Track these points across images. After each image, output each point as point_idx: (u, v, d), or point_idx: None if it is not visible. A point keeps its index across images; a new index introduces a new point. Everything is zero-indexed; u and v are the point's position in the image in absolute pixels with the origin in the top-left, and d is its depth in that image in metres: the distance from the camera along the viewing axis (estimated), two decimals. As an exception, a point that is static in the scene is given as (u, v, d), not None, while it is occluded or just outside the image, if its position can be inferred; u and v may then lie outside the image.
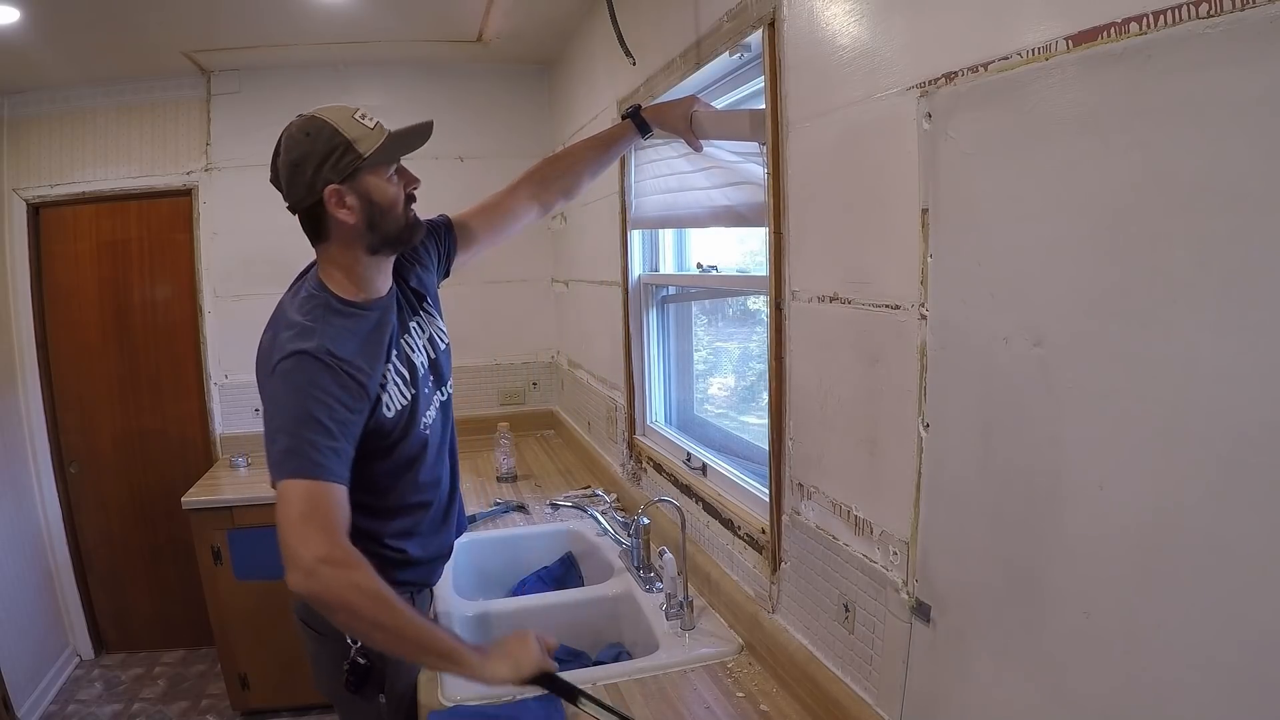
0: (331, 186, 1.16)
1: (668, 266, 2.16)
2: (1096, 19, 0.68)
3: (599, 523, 2.04)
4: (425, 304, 1.43)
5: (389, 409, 1.24)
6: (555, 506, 2.29)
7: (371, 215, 1.20)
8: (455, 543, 1.54)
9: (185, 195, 3.07)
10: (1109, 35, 0.67)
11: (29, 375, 3.05)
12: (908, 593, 1.02)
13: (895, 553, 1.04)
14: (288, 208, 1.23)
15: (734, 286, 1.79)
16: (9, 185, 2.99)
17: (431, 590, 1.62)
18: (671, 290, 2.17)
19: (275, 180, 1.22)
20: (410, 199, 1.26)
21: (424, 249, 1.45)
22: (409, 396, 1.28)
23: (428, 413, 1.34)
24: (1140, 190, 0.66)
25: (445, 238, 1.51)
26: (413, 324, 1.37)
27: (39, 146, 2.99)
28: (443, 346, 1.44)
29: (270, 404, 1.14)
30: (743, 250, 1.90)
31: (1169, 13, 0.61)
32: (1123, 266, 0.68)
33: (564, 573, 2.05)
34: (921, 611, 0.99)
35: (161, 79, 3.00)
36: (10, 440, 2.96)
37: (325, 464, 1.08)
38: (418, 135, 1.22)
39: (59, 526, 3.12)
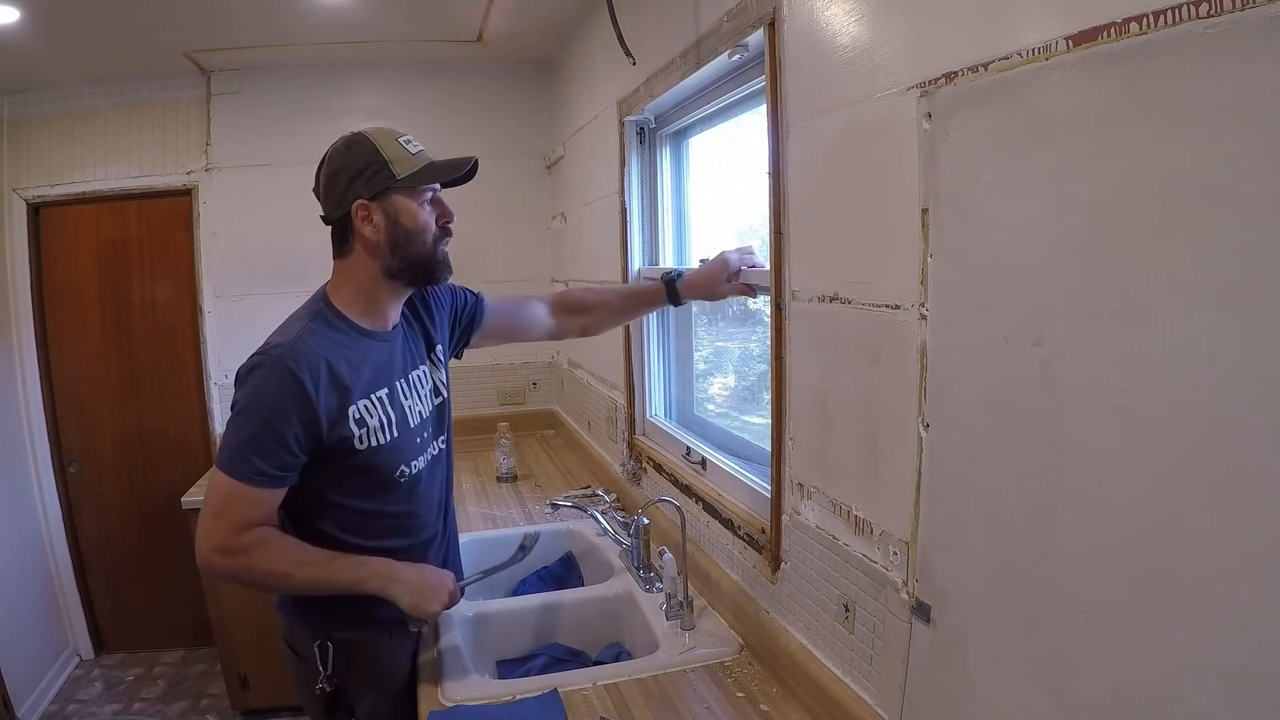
0: (360, 201, 1.20)
1: (668, 263, 2.16)
2: (1096, 19, 0.68)
3: (599, 522, 2.04)
4: (435, 352, 1.41)
5: (361, 442, 1.22)
6: (555, 506, 2.29)
7: (396, 236, 1.22)
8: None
9: (185, 195, 3.06)
10: (1109, 35, 0.67)
11: (29, 375, 3.05)
12: (908, 593, 1.02)
13: (895, 553, 1.04)
14: (322, 218, 1.26)
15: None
16: (9, 185, 2.99)
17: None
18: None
19: (316, 189, 1.26)
20: (445, 232, 1.27)
21: (447, 299, 1.46)
22: (388, 438, 1.26)
23: (415, 462, 1.32)
24: (1140, 190, 0.66)
25: (472, 304, 1.52)
26: (416, 372, 1.35)
27: (39, 146, 2.99)
28: (444, 396, 1.41)
29: (235, 400, 1.19)
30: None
31: (1169, 13, 0.61)
32: (1123, 266, 0.68)
33: (564, 573, 2.05)
34: (921, 611, 0.99)
35: (161, 79, 2.99)
36: (10, 440, 2.96)
37: (259, 469, 1.15)
38: (455, 167, 1.26)
39: (59, 526, 3.12)
